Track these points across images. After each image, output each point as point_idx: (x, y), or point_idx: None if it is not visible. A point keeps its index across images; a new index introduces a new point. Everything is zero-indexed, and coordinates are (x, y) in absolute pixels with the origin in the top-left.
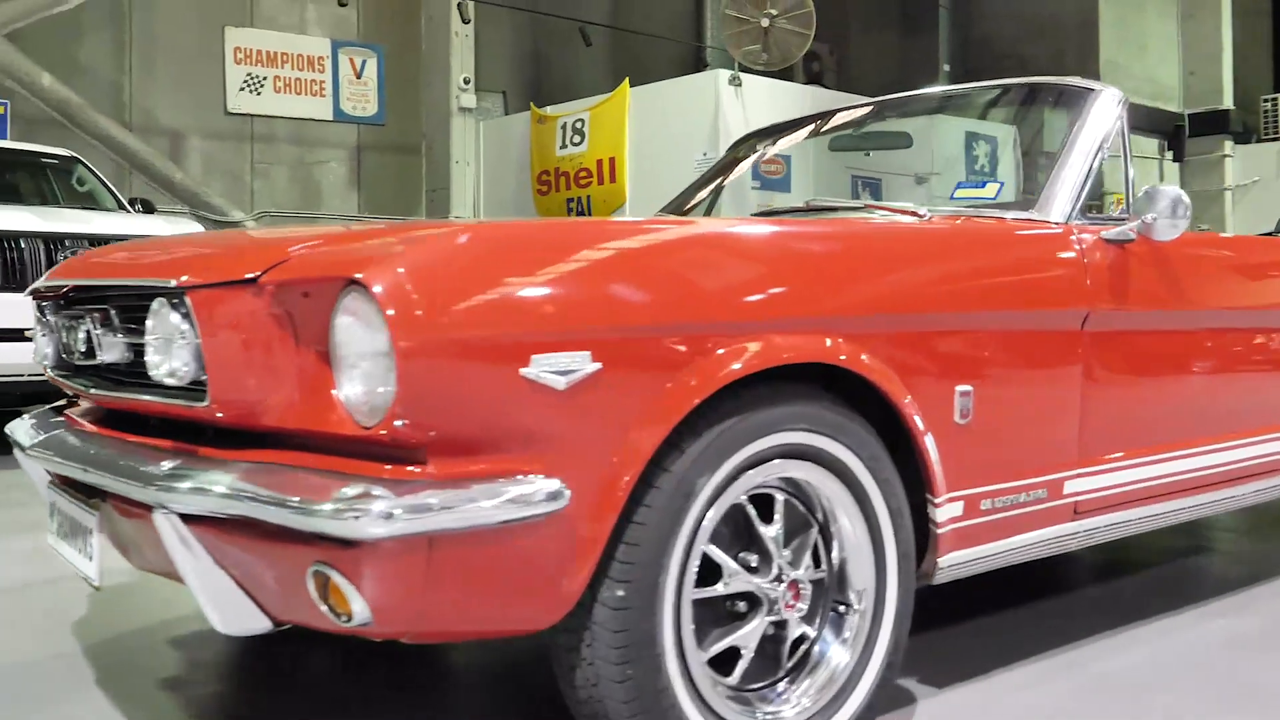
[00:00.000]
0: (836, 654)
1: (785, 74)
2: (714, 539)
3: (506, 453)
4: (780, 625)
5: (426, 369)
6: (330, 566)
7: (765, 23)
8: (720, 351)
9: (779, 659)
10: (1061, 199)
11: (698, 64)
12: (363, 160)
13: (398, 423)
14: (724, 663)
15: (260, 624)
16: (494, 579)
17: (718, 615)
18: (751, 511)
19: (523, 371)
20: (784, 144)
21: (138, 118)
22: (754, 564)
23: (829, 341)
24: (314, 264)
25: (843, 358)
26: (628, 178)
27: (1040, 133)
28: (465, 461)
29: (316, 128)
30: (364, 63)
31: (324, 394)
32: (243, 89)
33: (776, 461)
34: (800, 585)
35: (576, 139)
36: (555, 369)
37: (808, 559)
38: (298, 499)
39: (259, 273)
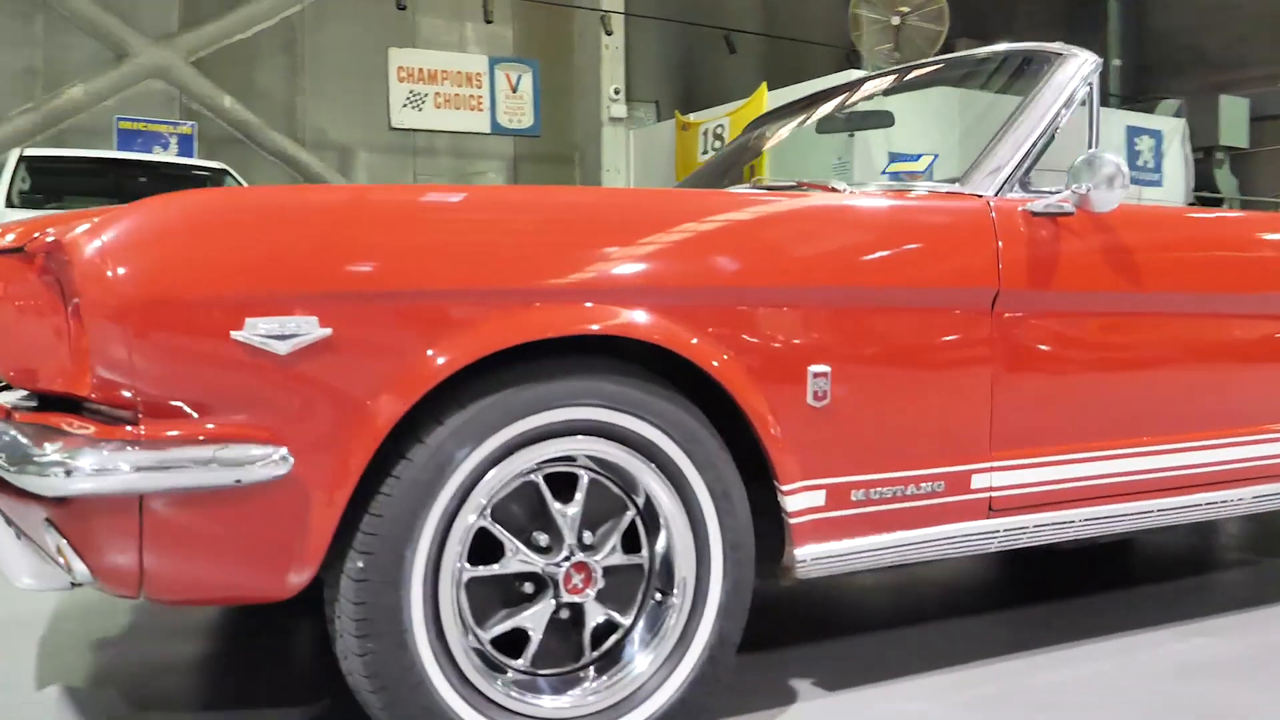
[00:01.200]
0: (639, 647)
1: None
2: (500, 515)
3: (229, 417)
4: (577, 610)
5: (120, 330)
6: (50, 523)
7: (896, 20)
8: (475, 322)
9: (581, 646)
10: (988, 170)
11: (850, 66)
12: (519, 171)
13: (95, 380)
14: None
15: (57, 581)
16: (221, 544)
17: (509, 595)
18: (545, 490)
19: (234, 334)
20: (785, 128)
21: (310, 135)
22: (545, 544)
23: (622, 314)
24: (51, 233)
25: (631, 329)
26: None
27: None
28: (182, 424)
29: (475, 140)
30: (519, 77)
31: (61, 357)
32: (405, 105)
33: (579, 439)
34: (591, 569)
35: (717, 144)
36: (273, 333)
37: (614, 542)
38: (11, 454)
39: (23, 244)
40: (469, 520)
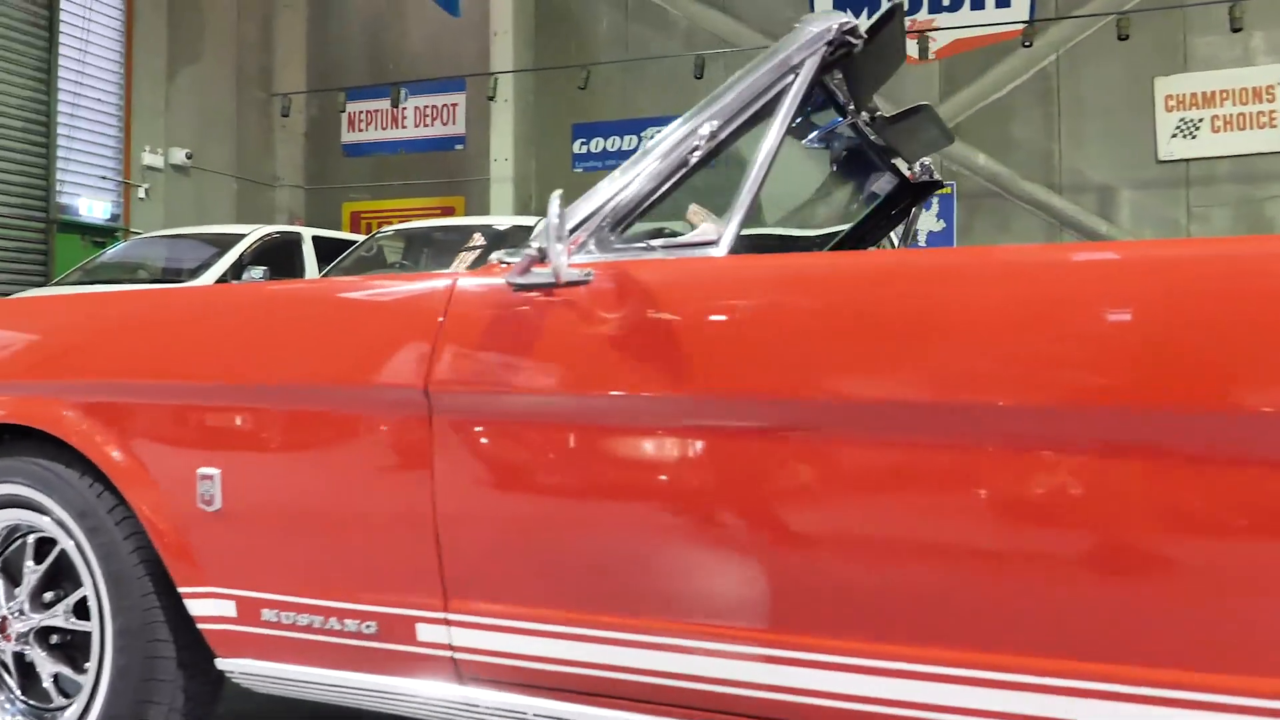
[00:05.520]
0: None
1: None
2: None
3: None
4: (25, 660)
5: None
6: None
7: None
8: None
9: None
10: (553, 234)
11: None
12: None
13: None
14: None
15: None
16: None
17: None
18: None
19: None
20: None
21: (1066, 179)
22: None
23: (31, 406)
24: None
25: (30, 419)
26: None
27: None
28: None
29: (1264, 162)
30: None
31: None
32: (1175, 135)
33: (15, 511)
34: (8, 621)
35: None
36: None
37: (44, 601)
38: None
39: None
40: None
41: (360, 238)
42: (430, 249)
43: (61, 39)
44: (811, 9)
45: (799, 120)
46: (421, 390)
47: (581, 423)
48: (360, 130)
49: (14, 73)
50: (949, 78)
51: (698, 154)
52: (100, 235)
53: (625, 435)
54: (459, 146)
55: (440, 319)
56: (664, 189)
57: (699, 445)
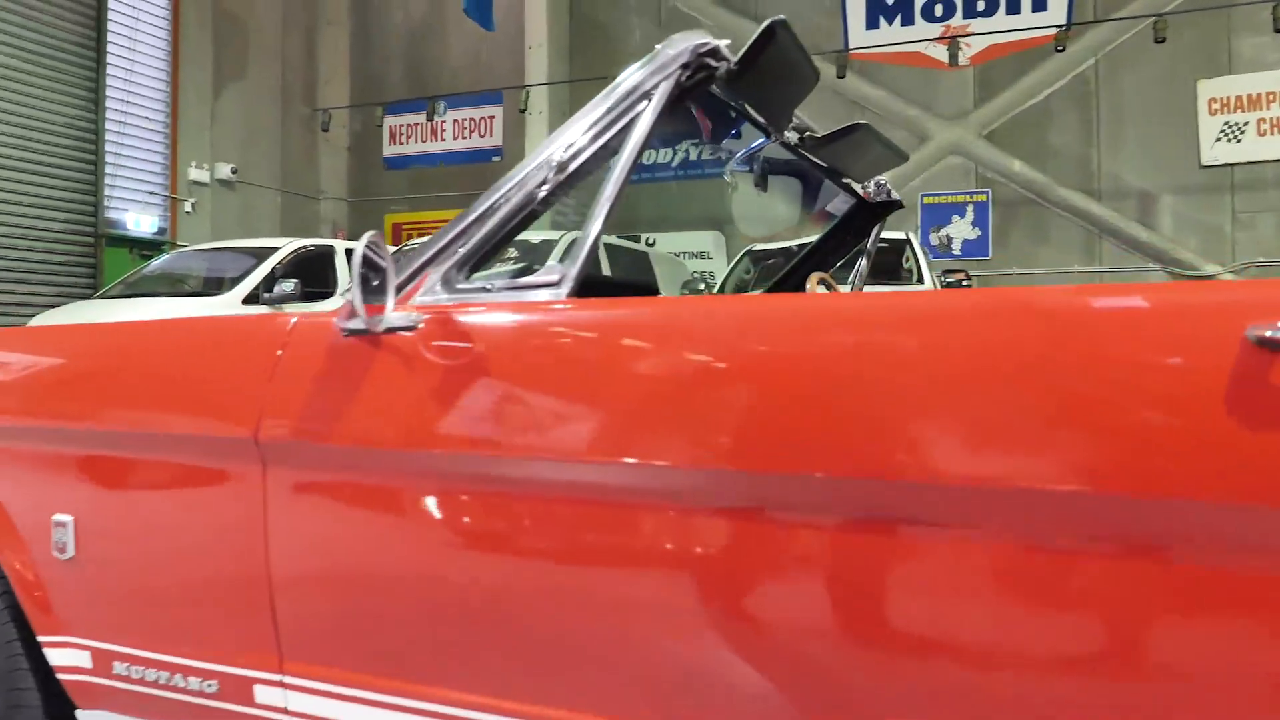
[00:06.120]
0: None
1: None
2: None
3: None
4: None
5: None
6: None
7: None
8: None
9: None
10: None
11: None
12: None
13: None
14: None
15: None
16: None
17: None
18: None
19: None
20: None
21: (1105, 185)
22: None
23: None
24: None
25: None
26: None
27: None
28: None
29: None
30: None
31: None
32: (1219, 139)
33: None
34: None
35: None
36: None
37: None
38: None
39: None
40: None
41: (393, 249)
42: None
43: (109, 59)
44: (844, 15)
45: (723, 142)
46: (253, 440)
47: (406, 481)
48: (401, 144)
49: (63, 93)
50: (984, 84)
51: (546, 188)
52: (148, 248)
53: (451, 495)
54: (496, 158)
55: (274, 364)
56: (513, 225)
57: (522, 505)
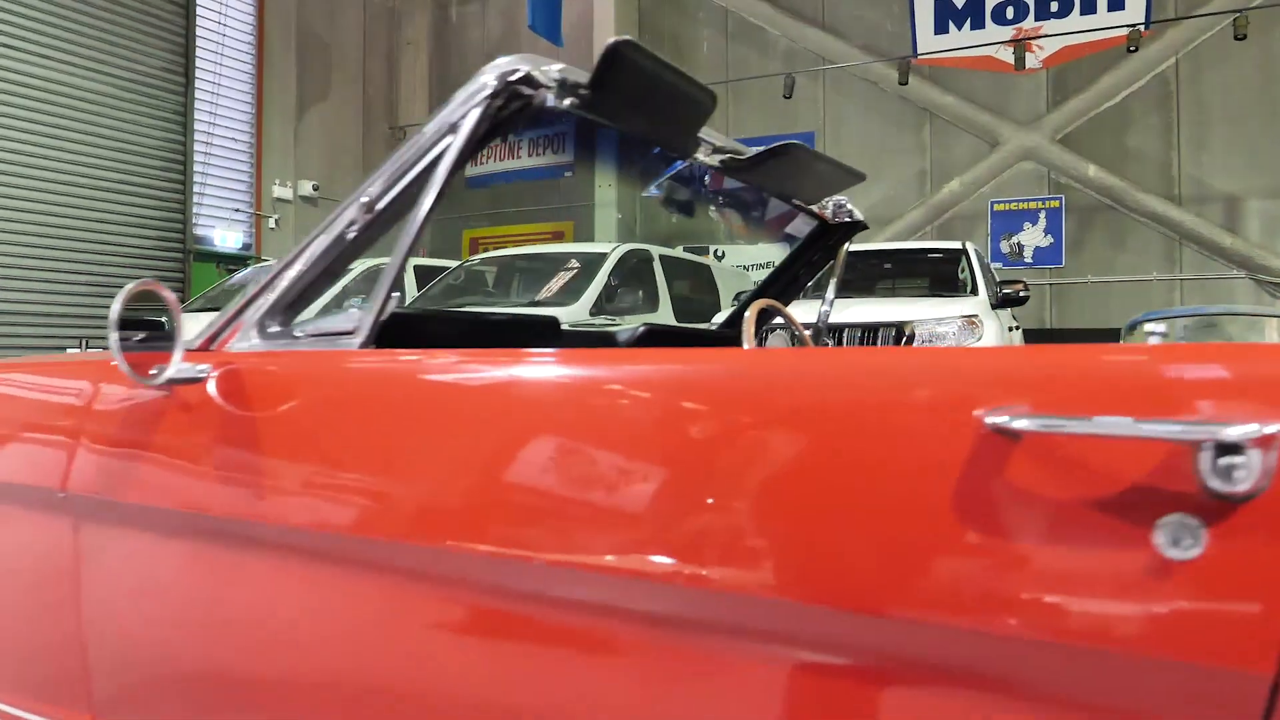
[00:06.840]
0: None
1: None
2: None
3: None
4: None
5: None
6: None
7: None
8: None
9: None
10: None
11: None
12: None
13: None
14: None
15: None
16: None
17: None
18: None
19: None
20: None
21: (1186, 189)
22: None
23: None
24: None
25: None
26: None
27: None
28: None
29: None
30: None
31: None
32: None
33: None
34: None
35: None
36: None
37: None
38: None
39: None
40: None
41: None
42: (520, 276)
43: (197, 84)
44: (912, 20)
45: (655, 169)
46: (61, 493)
47: (197, 541)
48: (480, 163)
49: (154, 117)
50: (1059, 86)
51: (355, 228)
52: (234, 263)
53: (228, 559)
54: (567, 174)
55: (83, 413)
56: (325, 267)
57: (295, 574)
